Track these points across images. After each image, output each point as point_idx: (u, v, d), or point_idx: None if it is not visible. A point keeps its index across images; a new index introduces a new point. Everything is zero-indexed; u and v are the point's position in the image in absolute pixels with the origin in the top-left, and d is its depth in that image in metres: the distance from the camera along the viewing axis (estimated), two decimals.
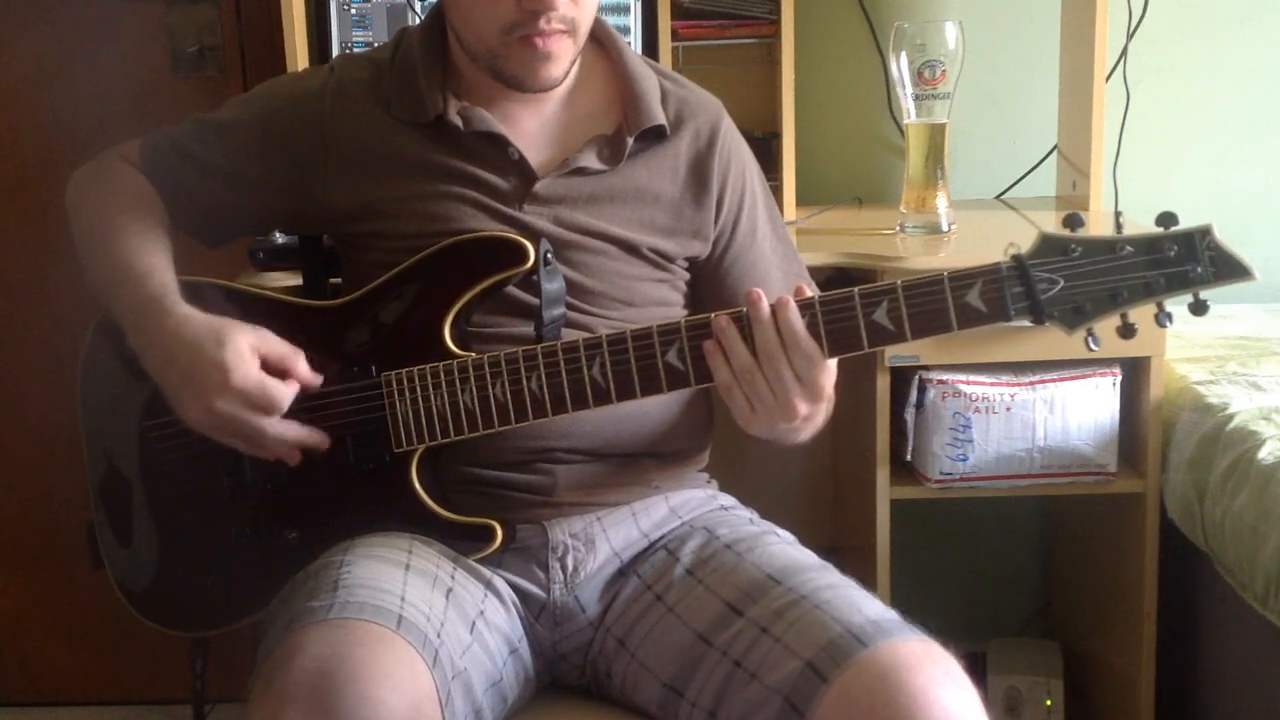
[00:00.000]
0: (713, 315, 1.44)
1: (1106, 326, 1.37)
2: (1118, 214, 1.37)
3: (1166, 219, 1.34)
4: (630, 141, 1.63)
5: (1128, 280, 1.35)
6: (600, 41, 1.67)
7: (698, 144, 1.67)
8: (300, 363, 1.53)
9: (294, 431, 1.54)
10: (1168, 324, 1.37)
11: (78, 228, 1.67)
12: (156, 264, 1.59)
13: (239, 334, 1.51)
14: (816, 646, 1.36)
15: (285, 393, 1.51)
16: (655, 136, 1.65)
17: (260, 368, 1.51)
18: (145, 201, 1.67)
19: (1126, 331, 1.38)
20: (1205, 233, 1.34)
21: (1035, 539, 2.72)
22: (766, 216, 1.74)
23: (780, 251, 1.74)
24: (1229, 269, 1.33)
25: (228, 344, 1.49)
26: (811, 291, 1.42)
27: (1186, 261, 1.34)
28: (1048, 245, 1.36)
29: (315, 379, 1.55)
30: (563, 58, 1.57)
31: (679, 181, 1.66)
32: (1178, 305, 1.37)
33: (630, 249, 1.63)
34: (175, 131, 1.71)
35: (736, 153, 1.71)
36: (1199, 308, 1.36)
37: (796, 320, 1.41)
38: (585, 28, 1.59)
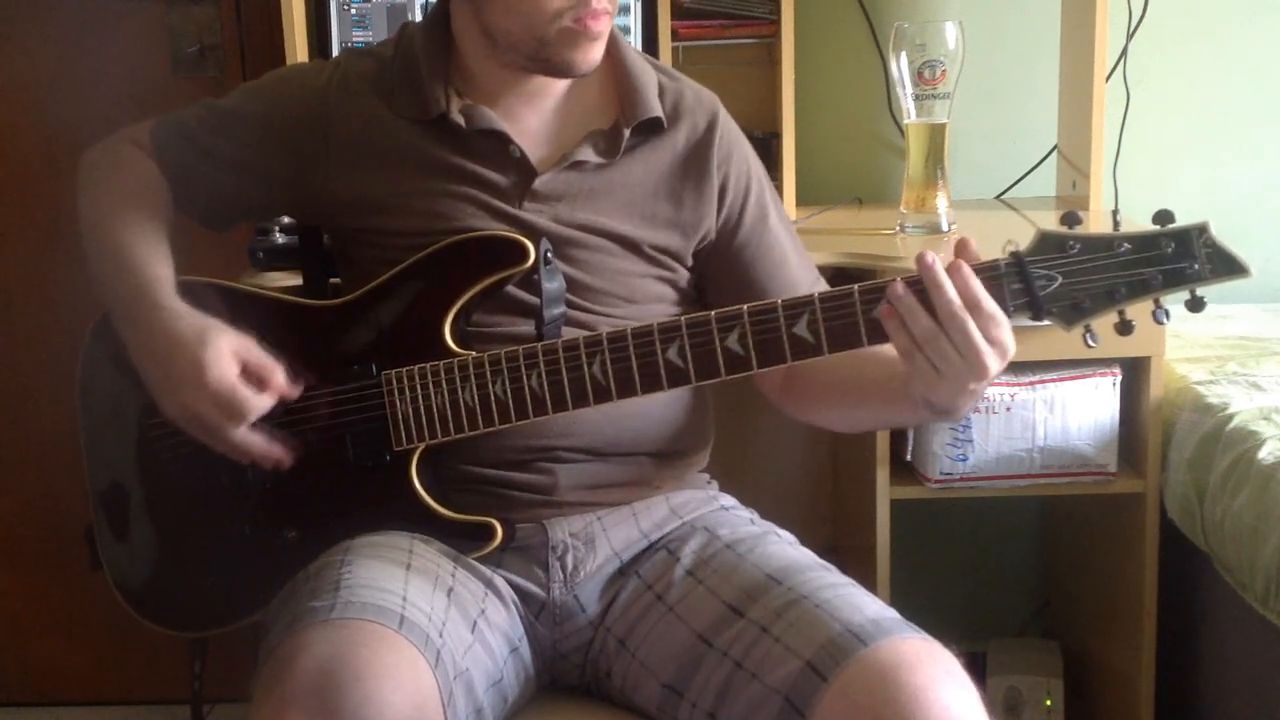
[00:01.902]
0: (890, 282, 1.40)
1: (1104, 323, 1.38)
2: (1115, 211, 1.38)
3: (1164, 217, 1.35)
4: (627, 134, 1.63)
5: (1125, 277, 1.35)
6: None
7: (695, 135, 1.68)
8: (278, 376, 1.53)
9: (258, 444, 1.54)
10: (1165, 321, 1.38)
11: (83, 211, 1.67)
12: (154, 256, 1.60)
13: (222, 336, 1.51)
14: (816, 646, 1.36)
15: (256, 403, 1.51)
16: (653, 130, 1.66)
17: (240, 374, 1.51)
18: (151, 190, 1.68)
19: (1124, 328, 1.38)
20: (1202, 230, 1.34)
21: (1035, 539, 2.72)
22: (774, 206, 1.74)
23: (793, 241, 1.75)
24: (1225, 266, 1.34)
25: (209, 344, 1.50)
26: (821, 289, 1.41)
27: (1183, 259, 1.34)
28: (1046, 242, 1.37)
29: (293, 391, 1.55)
30: (605, 39, 1.59)
31: (677, 173, 1.66)
32: (1175, 302, 1.37)
33: (630, 246, 1.64)
34: (185, 116, 1.72)
35: (737, 143, 1.71)
36: (1196, 304, 1.36)
37: (975, 281, 1.37)
38: (617, 8, 1.60)
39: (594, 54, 1.58)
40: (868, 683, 1.32)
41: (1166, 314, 1.38)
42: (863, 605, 1.42)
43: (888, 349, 1.43)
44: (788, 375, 1.55)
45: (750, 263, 1.69)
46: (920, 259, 1.37)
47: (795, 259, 1.73)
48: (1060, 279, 1.36)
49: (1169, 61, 2.58)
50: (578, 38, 1.55)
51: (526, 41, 1.57)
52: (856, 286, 1.41)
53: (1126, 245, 1.35)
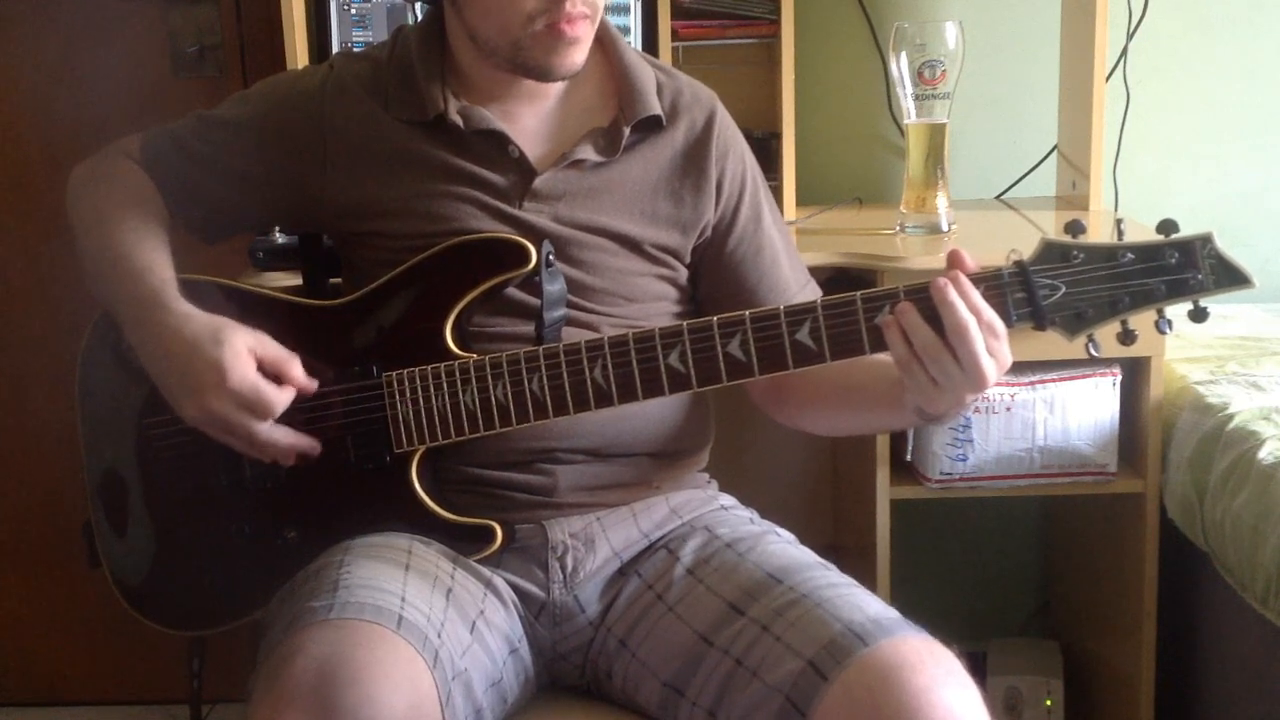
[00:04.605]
0: (892, 291, 1.41)
1: (1107, 331, 1.38)
2: (1119, 221, 1.38)
3: (1167, 226, 1.35)
4: (626, 132, 1.63)
5: (1128, 287, 1.36)
6: (597, 36, 1.67)
7: (693, 132, 1.67)
8: (296, 368, 1.53)
9: (285, 437, 1.53)
10: (1168, 331, 1.38)
11: (78, 222, 1.67)
12: (156, 260, 1.59)
13: (237, 335, 1.50)
14: (818, 645, 1.36)
15: (279, 398, 1.51)
16: (652, 128, 1.66)
17: (257, 370, 1.50)
18: (145, 197, 1.67)
19: (1126, 338, 1.38)
20: (1206, 240, 1.35)
21: (1035, 539, 2.73)
22: (768, 207, 1.74)
23: (785, 242, 1.75)
24: (1229, 277, 1.34)
25: (225, 344, 1.49)
26: (815, 293, 1.41)
27: (1187, 269, 1.34)
28: (1049, 251, 1.37)
29: (311, 385, 1.54)
30: (586, 42, 1.58)
31: (677, 171, 1.66)
32: (1177, 312, 1.37)
33: (631, 244, 1.64)
34: (176, 128, 1.71)
35: (734, 140, 1.71)
36: (1199, 315, 1.37)
37: (975, 294, 1.37)
38: (601, 11, 1.59)
39: (571, 58, 1.57)
40: (869, 682, 1.32)
41: (1169, 324, 1.38)
42: (864, 604, 1.43)
43: (877, 355, 1.44)
44: (775, 381, 1.55)
45: (741, 262, 1.69)
46: (933, 284, 1.37)
47: (786, 260, 1.73)
48: (1064, 288, 1.36)
49: (1169, 61, 2.58)
50: (553, 41, 1.55)
51: (503, 45, 1.57)
52: (859, 294, 1.41)
53: (1130, 255, 1.36)
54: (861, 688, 1.32)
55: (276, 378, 1.51)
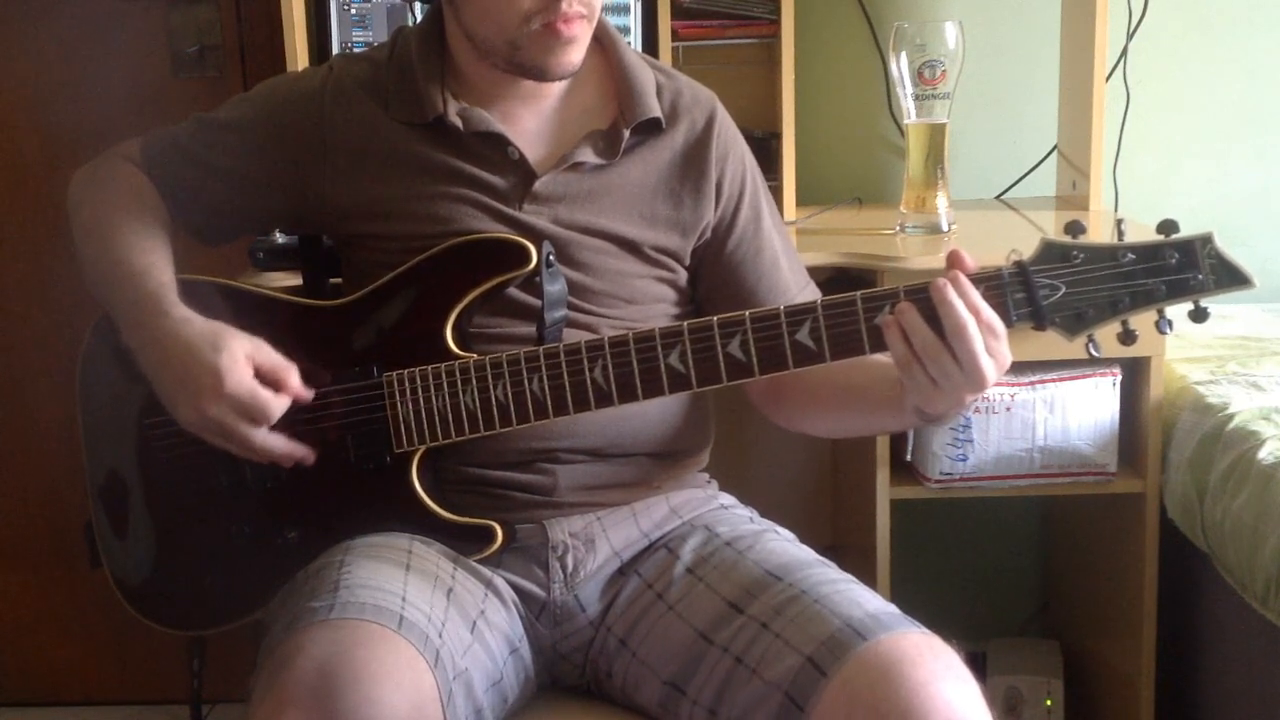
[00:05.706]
0: (892, 291, 1.41)
1: (1107, 332, 1.38)
2: (1119, 221, 1.38)
3: (1168, 227, 1.35)
4: (626, 135, 1.63)
5: (1129, 287, 1.36)
6: (596, 37, 1.67)
7: (693, 134, 1.67)
8: (293, 376, 1.53)
9: (280, 445, 1.53)
10: (1168, 331, 1.38)
11: (78, 226, 1.67)
12: (155, 262, 1.59)
13: (235, 341, 1.50)
14: (817, 641, 1.37)
15: (275, 404, 1.51)
16: (651, 130, 1.66)
17: (254, 377, 1.50)
18: (145, 200, 1.67)
19: (1127, 338, 1.38)
20: (1206, 241, 1.35)
21: (1035, 539, 2.73)
22: (768, 208, 1.74)
23: (785, 243, 1.75)
24: (1229, 277, 1.35)
25: (224, 350, 1.49)
26: (814, 294, 1.41)
27: (1187, 269, 1.34)
28: (1049, 251, 1.37)
29: (307, 394, 1.54)
30: (583, 42, 1.58)
31: (677, 173, 1.66)
32: (1178, 312, 1.37)
33: (631, 247, 1.64)
34: (176, 131, 1.71)
35: (734, 141, 1.71)
36: (1199, 315, 1.37)
37: (975, 293, 1.37)
38: (598, 12, 1.59)
39: (568, 58, 1.57)
40: (868, 677, 1.32)
41: (1169, 324, 1.38)
42: (863, 600, 1.43)
43: (875, 356, 1.44)
44: (774, 382, 1.55)
45: (740, 263, 1.69)
46: (933, 284, 1.37)
47: (786, 262, 1.73)
48: (1064, 289, 1.37)
49: (1169, 61, 2.58)
50: (550, 41, 1.55)
51: (500, 45, 1.57)
52: (859, 294, 1.41)
53: (1130, 255, 1.36)
54: (861, 683, 1.32)
55: (274, 385, 1.51)
